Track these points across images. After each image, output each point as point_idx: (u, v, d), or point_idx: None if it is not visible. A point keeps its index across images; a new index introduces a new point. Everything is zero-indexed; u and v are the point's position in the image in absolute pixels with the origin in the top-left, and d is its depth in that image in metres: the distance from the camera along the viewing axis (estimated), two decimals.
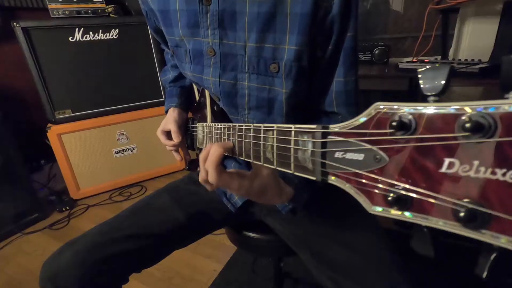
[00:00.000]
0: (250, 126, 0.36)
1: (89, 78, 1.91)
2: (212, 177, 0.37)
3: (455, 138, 0.15)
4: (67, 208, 1.92)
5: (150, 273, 1.23)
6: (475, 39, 1.56)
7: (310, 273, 0.62)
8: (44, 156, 2.18)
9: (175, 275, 1.34)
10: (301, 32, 0.50)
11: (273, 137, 0.29)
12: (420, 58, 1.56)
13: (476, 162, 0.14)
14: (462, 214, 0.15)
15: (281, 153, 0.28)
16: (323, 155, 0.22)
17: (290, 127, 0.26)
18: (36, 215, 1.82)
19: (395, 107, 0.18)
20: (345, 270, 0.53)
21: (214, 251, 1.47)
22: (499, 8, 1.40)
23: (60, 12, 1.76)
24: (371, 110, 0.19)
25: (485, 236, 0.14)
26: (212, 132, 0.55)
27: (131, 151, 2.14)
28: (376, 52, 1.73)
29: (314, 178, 0.24)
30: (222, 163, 0.38)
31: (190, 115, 0.86)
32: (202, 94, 0.72)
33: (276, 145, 0.29)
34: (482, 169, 0.14)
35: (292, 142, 0.26)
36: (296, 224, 0.65)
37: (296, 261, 0.71)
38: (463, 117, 0.15)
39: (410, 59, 1.73)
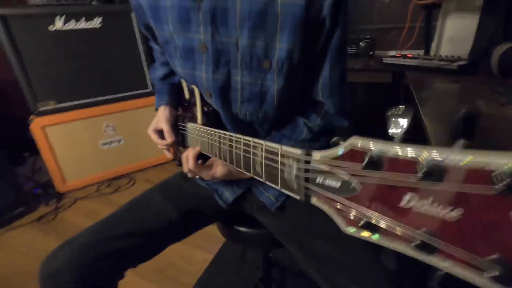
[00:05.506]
0: (240, 138, 0.38)
1: (73, 68, 1.86)
2: (190, 164, 0.59)
3: (413, 179, 0.18)
4: (55, 201, 1.90)
5: (144, 265, 1.27)
6: (456, 33, 1.61)
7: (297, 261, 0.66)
8: (27, 149, 2.13)
9: (168, 266, 1.37)
10: (292, 32, 0.52)
11: (262, 154, 0.32)
12: (403, 53, 1.60)
13: (430, 200, 0.18)
14: (417, 243, 0.18)
15: (269, 170, 0.31)
16: (306, 179, 0.25)
17: (278, 148, 0.29)
18: (22, 209, 1.79)
19: (368, 145, 0.20)
20: (331, 263, 0.57)
21: (204, 241, 1.50)
22: (479, 3, 1.44)
23: (38, 0, 1.68)
24: (348, 144, 0.22)
25: (433, 261, 0.18)
26: (203, 136, 0.57)
27: (118, 142, 2.12)
28: (362, 45, 1.76)
29: (298, 197, 0.27)
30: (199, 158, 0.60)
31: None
32: (192, 94, 0.72)
33: (265, 162, 0.31)
34: (434, 206, 0.17)
35: (279, 162, 0.29)
36: (284, 220, 0.68)
37: (284, 250, 0.76)
38: (420, 163, 0.18)
39: (394, 52, 1.76)
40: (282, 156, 0.28)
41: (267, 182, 0.32)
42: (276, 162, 0.29)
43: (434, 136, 0.60)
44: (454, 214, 0.17)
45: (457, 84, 1.08)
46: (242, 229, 0.77)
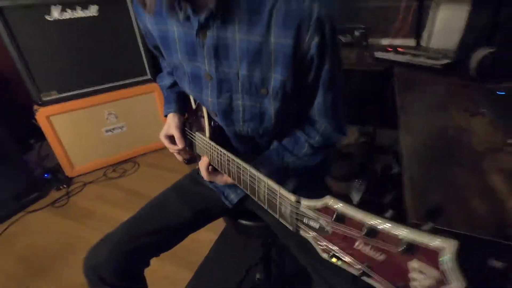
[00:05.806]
0: (246, 169, 0.48)
1: (72, 58, 1.90)
2: (203, 174, 0.71)
3: (360, 233, 0.29)
4: (65, 186, 2.02)
5: None
6: (447, 24, 1.66)
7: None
8: (33, 136, 2.20)
9: (179, 247, 1.52)
10: (284, 67, 0.60)
11: (264, 188, 0.43)
12: (395, 43, 1.66)
13: (369, 247, 0.29)
14: (361, 272, 0.30)
15: (270, 203, 0.42)
16: (297, 218, 0.36)
17: (276, 190, 0.40)
18: (36, 194, 1.92)
19: (336, 205, 0.31)
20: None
21: (212, 223, 1.65)
22: None
23: None
24: (324, 201, 0.33)
25: (370, 283, 0.29)
26: (212, 152, 0.67)
27: (121, 129, 2.21)
28: (356, 34, 1.80)
29: (291, 228, 0.38)
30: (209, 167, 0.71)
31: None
32: (199, 108, 0.81)
33: (267, 197, 0.42)
34: (372, 251, 0.29)
35: (278, 199, 0.40)
36: None
37: None
38: (364, 225, 0.29)
39: (387, 41, 1.81)
40: (280, 197, 0.39)
41: (268, 210, 0.43)
42: (276, 199, 0.40)
43: (408, 156, 0.70)
44: (381, 257, 0.28)
45: (438, 86, 1.17)
46: (245, 222, 0.90)
